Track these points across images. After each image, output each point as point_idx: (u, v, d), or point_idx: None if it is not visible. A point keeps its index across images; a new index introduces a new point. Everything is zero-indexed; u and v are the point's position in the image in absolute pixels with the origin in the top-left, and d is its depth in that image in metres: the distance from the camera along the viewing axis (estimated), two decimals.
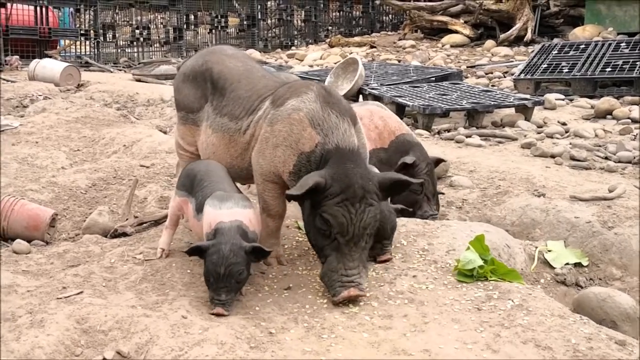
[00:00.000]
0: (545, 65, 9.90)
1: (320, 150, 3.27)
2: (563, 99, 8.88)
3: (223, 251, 2.99)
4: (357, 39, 17.52)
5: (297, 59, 15.43)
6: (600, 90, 9.24)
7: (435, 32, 16.60)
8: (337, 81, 9.32)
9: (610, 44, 10.20)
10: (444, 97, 8.05)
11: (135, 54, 15.98)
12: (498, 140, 6.87)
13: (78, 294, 3.17)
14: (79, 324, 2.84)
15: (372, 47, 16.20)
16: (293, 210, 4.31)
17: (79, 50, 15.04)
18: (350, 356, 2.66)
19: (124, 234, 4.34)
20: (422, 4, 17.49)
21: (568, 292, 3.95)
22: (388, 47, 16.16)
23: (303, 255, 3.74)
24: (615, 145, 6.24)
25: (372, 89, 8.72)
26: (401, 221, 3.88)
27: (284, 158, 3.38)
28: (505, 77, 11.25)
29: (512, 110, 7.86)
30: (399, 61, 13.69)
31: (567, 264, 4.11)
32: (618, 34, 13.05)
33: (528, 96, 8.34)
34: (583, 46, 10.36)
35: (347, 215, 3.11)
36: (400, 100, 7.86)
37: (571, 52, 10.23)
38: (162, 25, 17.41)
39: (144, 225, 4.49)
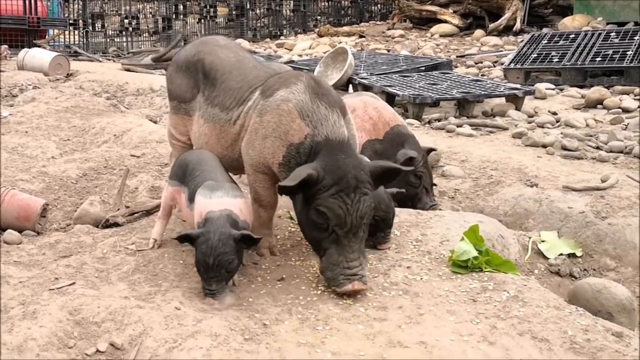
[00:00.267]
0: (535, 55, 9.91)
1: (309, 141, 3.25)
2: (553, 89, 8.90)
3: (212, 241, 2.97)
4: (346, 28, 17.47)
5: (286, 48, 15.37)
6: (591, 79, 9.26)
7: (424, 22, 16.57)
8: (326, 71, 9.30)
9: (600, 34, 10.20)
10: (434, 86, 8.05)
11: (124, 44, 15.87)
12: (489, 129, 6.87)
13: (70, 284, 3.15)
14: (71, 316, 2.82)
15: (361, 36, 16.16)
16: (285, 200, 4.28)
17: (67, 40, 14.91)
18: (346, 348, 2.66)
19: (116, 224, 4.31)
20: None
21: (562, 283, 3.95)
22: (377, 37, 16.12)
23: (296, 245, 3.73)
24: (607, 135, 6.25)
25: (362, 78, 8.70)
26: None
27: (273, 149, 3.37)
28: (494, 66, 11.25)
29: (503, 99, 7.87)
30: (388, 51, 13.66)
31: (561, 254, 4.12)
32: (607, 23, 13.05)
33: (518, 86, 8.35)
34: (573, 36, 10.37)
35: (344, 206, 3.09)
36: (390, 89, 7.85)
37: (561, 42, 10.24)
38: (151, 15, 17.29)
39: (136, 215, 4.46)
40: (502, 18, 14.77)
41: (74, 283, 3.17)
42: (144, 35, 16.55)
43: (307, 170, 3.11)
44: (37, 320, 2.76)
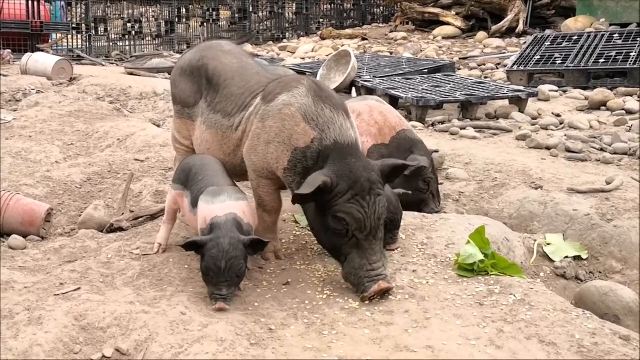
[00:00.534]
0: (538, 57, 9.89)
1: (317, 145, 3.25)
2: (557, 91, 8.87)
3: (223, 245, 2.97)
4: (348, 31, 17.47)
5: (289, 51, 15.37)
6: (594, 81, 9.23)
7: (427, 24, 16.56)
8: (329, 74, 9.29)
9: (603, 35, 10.19)
10: (437, 89, 8.03)
11: (127, 48, 15.88)
12: (493, 132, 6.85)
13: (76, 290, 3.14)
14: (77, 321, 2.82)
15: (363, 39, 16.16)
16: (289, 204, 4.29)
17: (70, 44, 14.93)
18: (352, 353, 2.65)
19: (120, 229, 4.31)
20: None
21: (568, 286, 3.94)
22: (380, 39, 16.12)
23: (301, 249, 3.72)
24: (611, 137, 6.23)
25: (365, 81, 8.69)
26: None
27: (277, 154, 3.36)
28: (497, 68, 11.23)
29: (506, 102, 7.85)
30: (391, 53, 13.65)
31: (567, 257, 4.11)
32: (610, 24, 13.04)
33: (522, 88, 8.34)
34: (576, 37, 10.35)
35: (362, 210, 3.09)
36: (393, 92, 7.84)
37: (564, 44, 10.22)
38: (153, 19, 17.30)
39: (140, 219, 4.46)
40: (505, 20, 14.76)
41: (79, 288, 3.16)
42: (147, 39, 16.56)
43: (321, 177, 3.10)
44: (42, 326, 2.76)
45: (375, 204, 3.13)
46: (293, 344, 2.71)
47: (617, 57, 9.19)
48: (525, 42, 11.45)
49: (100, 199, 4.86)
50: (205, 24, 17.58)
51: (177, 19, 16.79)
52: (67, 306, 2.91)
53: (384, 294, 3.08)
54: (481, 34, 14.85)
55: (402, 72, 9.53)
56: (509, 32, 14.70)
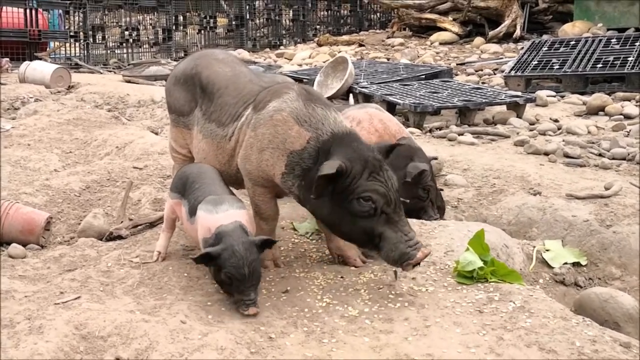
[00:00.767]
0: (536, 62, 9.91)
1: (314, 144, 3.27)
2: (554, 96, 8.89)
3: (240, 252, 2.99)
4: (345, 37, 17.50)
5: (286, 58, 15.39)
6: (592, 86, 9.25)
7: (424, 30, 16.60)
8: (326, 80, 9.30)
9: (600, 40, 10.21)
10: (435, 94, 8.05)
11: (125, 55, 15.89)
12: (490, 137, 6.87)
13: (76, 299, 3.14)
14: (77, 330, 2.81)
15: (360, 45, 16.19)
16: (288, 211, 4.30)
17: (68, 52, 14.94)
18: None
19: (119, 237, 4.32)
20: (410, 2, 17.45)
21: (567, 292, 3.94)
22: (377, 46, 16.15)
23: (299, 257, 3.72)
24: (609, 142, 6.25)
25: (362, 87, 8.70)
26: None
27: (273, 161, 3.37)
28: (495, 74, 11.26)
29: (504, 107, 7.86)
30: (388, 59, 13.68)
31: (566, 263, 4.12)
32: (608, 29, 13.06)
33: (520, 93, 8.35)
34: (573, 42, 10.37)
35: (383, 185, 3.14)
36: (390, 98, 7.85)
37: (561, 49, 10.24)
38: (151, 26, 17.31)
39: (139, 227, 4.47)
40: (502, 25, 14.79)
41: (79, 297, 3.16)
42: (145, 46, 16.56)
43: (336, 162, 3.11)
44: (43, 335, 2.75)
45: (389, 177, 3.18)
46: (293, 353, 2.71)
47: (615, 62, 9.21)
48: (522, 48, 11.48)
49: (99, 207, 4.87)
50: (202, 32, 17.61)
51: (174, 27, 16.80)
52: (67, 315, 2.90)
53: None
54: (478, 40, 14.88)
55: (399, 78, 9.54)
56: (506, 37, 14.72)
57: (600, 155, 6.00)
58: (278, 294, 3.26)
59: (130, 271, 3.54)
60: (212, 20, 17.72)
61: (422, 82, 9.12)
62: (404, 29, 17.36)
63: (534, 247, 4.21)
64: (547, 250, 4.19)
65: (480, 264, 3.28)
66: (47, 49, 14.44)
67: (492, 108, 7.94)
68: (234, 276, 2.99)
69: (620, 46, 9.80)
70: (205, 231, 3.15)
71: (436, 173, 5.38)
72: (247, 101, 3.64)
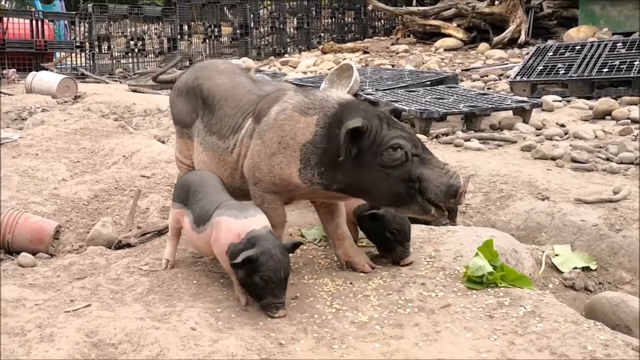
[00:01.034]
0: (541, 67, 9.90)
1: (323, 122, 3.31)
2: (560, 101, 8.87)
3: (277, 255, 3.03)
4: (349, 44, 17.52)
5: (290, 66, 15.41)
6: (598, 91, 9.23)
7: (428, 36, 16.60)
8: (332, 87, 9.28)
9: (606, 45, 10.19)
10: (441, 101, 8.04)
11: (130, 65, 15.95)
12: (497, 143, 6.86)
13: (86, 306, 3.15)
14: (88, 338, 2.83)
15: (365, 52, 16.20)
16: (295, 218, 4.31)
17: (74, 62, 15.01)
18: None
19: (128, 245, 4.34)
20: (414, 8, 17.49)
21: (577, 297, 3.93)
22: (381, 52, 16.16)
23: (308, 263, 3.73)
24: (616, 146, 6.22)
25: (368, 94, 8.70)
26: None
27: (286, 161, 3.38)
28: (500, 79, 11.25)
29: (510, 112, 7.85)
30: (393, 66, 13.69)
31: (575, 268, 4.10)
32: (613, 34, 13.04)
33: (525, 98, 8.34)
34: (579, 47, 10.36)
35: (404, 131, 3.20)
36: (396, 105, 7.84)
37: (567, 54, 10.23)
38: (156, 36, 17.37)
39: (148, 235, 4.49)
40: (507, 31, 14.78)
41: (89, 305, 3.17)
42: (150, 56, 16.63)
43: (357, 119, 3.15)
44: (54, 342, 2.76)
45: (403, 125, 3.31)
46: (303, 359, 2.71)
47: (621, 66, 9.19)
48: (527, 53, 11.47)
49: (108, 215, 4.88)
50: (207, 40, 17.65)
51: (179, 36, 16.86)
52: (78, 323, 2.92)
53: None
54: (483, 45, 14.87)
55: (404, 84, 9.53)
56: (511, 43, 14.71)
57: (607, 159, 5.98)
58: (287, 300, 3.25)
59: (140, 279, 3.55)
60: (216, 29, 17.75)
61: (428, 88, 9.12)
62: (408, 36, 17.37)
63: (543, 252, 4.19)
64: (557, 255, 4.17)
65: (490, 269, 3.28)
66: (54, 59, 14.52)
67: (498, 113, 7.93)
68: (270, 279, 3.01)
69: (626, 50, 9.79)
70: (233, 236, 3.12)
71: None
72: (246, 111, 3.66)
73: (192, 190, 3.48)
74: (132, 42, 16.11)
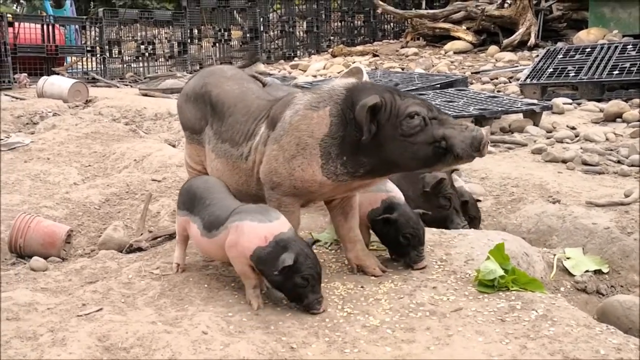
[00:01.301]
0: (551, 70, 9.88)
1: (336, 110, 3.32)
2: (571, 103, 8.86)
3: (311, 254, 3.10)
4: (359, 48, 17.56)
5: (300, 69, 15.45)
6: (608, 93, 9.21)
7: (438, 39, 16.61)
8: None
9: (616, 47, 10.17)
10: (451, 104, 8.04)
11: (141, 69, 16.02)
12: (508, 146, 6.86)
13: (98, 310, 3.16)
14: (100, 342, 2.83)
15: (374, 55, 16.22)
16: (306, 221, 4.31)
17: (85, 67, 15.08)
18: None
19: (140, 249, 4.35)
20: (423, 11, 17.51)
21: (589, 300, 3.91)
22: (391, 55, 16.17)
23: None
24: (627, 149, 6.21)
25: None
26: None
27: (307, 161, 3.37)
28: (510, 82, 11.24)
29: (520, 115, 7.85)
30: (403, 69, 13.70)
31: (587, 271, 4.08)
32: (623, 36, 13.01)
33: (536, 101, 8.33)
34: (589, 49, 10.34)
35: (416, 99, 3.28)
36: None
37: (577, 56, 10.21)
38: (166, 40, 17.44)
39: (159, 239, 4.50)
40: (516, 33, 14.76)
41: (101, 309, 3.18)
42: (160, 60, 16.69)
43: (372, 96, 3.21)
44: (66, 347, 2.77)
45: (412, 94, 3.41)
46: None
47: (632, 68, 9.17)
48: (537, 56, 11.45)
49: (119, 219, 4.90)
50: (217, 44, 17.70)
51: (189, 40, 16.91)
52: (90, 327, 2.92)
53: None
54: (493, 48, 14.85)
55: (414, 87, 9.54)
56: (521, 45, 14.69)
57: (618, 162, 5.97)
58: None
59: (151, 283, 3.56)
60: (226, 33, 17.80)
61: (438, 91, 9.11)
62: (418, 39, 17.39)
63: (555, 255, 4.18)
64: (568, 258, 4.16)
65: (502, 272, 3.26)
66: (65, 63, 14.60)
67: (508, 116, 7.92)
68: (311, 277, 3.07)
69: (637, 52, 9.76)
70: (259, 240, 3.11)
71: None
72: (257, 117, 3.65)
73: (197, 197, 3.46)
74: (142, 46, 16.18)
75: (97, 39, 15.59)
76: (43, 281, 3.70)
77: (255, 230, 3.14)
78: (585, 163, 5.91)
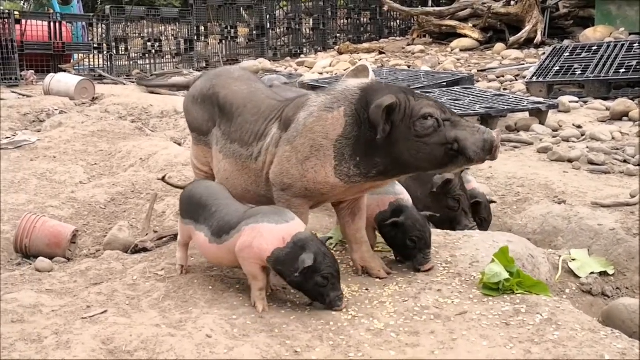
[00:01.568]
0: (558, 68, 9.84)
1: (350, 110, 3.33)
2: (577, 102, 8.82)
3: (328, 252, 3.15)
4: (365, 45, 17.51)
5: (306, 66, 15.42)
6: (615, 91, 9.17)
7: (444, 37, 16.57)
8: None
9: (623, 45, 10.12)
10: (457, 102, 8.02)
11: (148, 66, 16.01)
12: (513, 145, 6.83)
13: (102, 313, 3.16)
14: (104, 345, 2.83)
15: (381, 53, 16.18)
16: (312, 223, 4.29)
17: (92, 64, 15.10)
18: None
19: (145, 249, 4.34)
20: (430, 9, 17.45)
21: (595, 302, 3.90)
22: (397, 53, 16.13)
23: None
24: (634, 148, 6.18)
25: None
26: None
27: (321, 163, 3.36)
28: (517, 80, 11.20)
29: (526, 114, 7.82)
30: (409, 66, 13.66)
31: (593, 273, 4.07)
32: (630, 34, 12.94)
33: (542, 100, 8.30)
34: (595, 47, 10.30)
35: (429, 100, 3.30)
36: None
37: (583, 54, 10.17)
38: (173, 37, 17.43)
39: (164, 239, 4.49)
40: (523, 31, 14.70)
41: (106, 311, 3.18)
42: (167, 57, 16.68)
43: (389, 100, 3.22)
44: (70, 350, 2.77)
45: (426, 95, 3.43)
46: None
47: (638, 67, 9.12)
48: (544, 53, 11.41)
49: (125, 219, 4.90)
50: (223, 42, 17.68)
51: (196, 37, 16.89)
52: (94, 330, 2.93)
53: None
54: (499, 46, 14.81)
55: (420, 85, 9.52)
56: (527, 43, 14.64)
57: (625, 161, 5.94)
58: (303, 306, 3.26)
59: (156, 284, 3.56)
60: (233, 30, 17.78)
61: (444, 89, 9.09)
62: (424, 36, 17.34)
63: (560, 256, 4.16)
64: (574, 260, 4.15)
65: (507, 275, 3.25)
66: (71, 61, 14.61)
67: (514, 115, 7.90)
68: (331, 275, 3.11)
69: None
70: (278, 242, 3.12)
71: None
72: (268, 117, 3.64)
73: (202, 205, 3.45)
74: (149, 44, 16.18)
75: (104, 36, 15.59)
76: (48, 282, 3.70)
77: (273, 231, 3.14)
78: (591, 162, 5.89)
